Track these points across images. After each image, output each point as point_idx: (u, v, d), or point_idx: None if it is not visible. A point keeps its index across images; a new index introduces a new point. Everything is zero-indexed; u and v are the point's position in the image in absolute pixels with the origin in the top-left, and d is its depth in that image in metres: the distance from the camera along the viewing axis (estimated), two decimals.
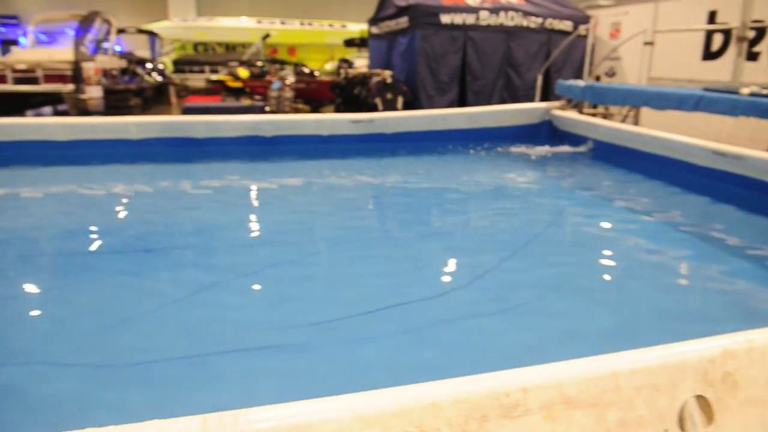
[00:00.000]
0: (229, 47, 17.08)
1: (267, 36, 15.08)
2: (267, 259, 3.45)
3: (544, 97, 8.86)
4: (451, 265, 3.43)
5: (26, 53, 10.62)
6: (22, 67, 9.69)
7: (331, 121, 6.65)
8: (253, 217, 4.43)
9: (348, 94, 10.11)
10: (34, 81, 9.72)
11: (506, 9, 9.39)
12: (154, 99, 12.66)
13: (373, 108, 8.71)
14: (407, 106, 8.81)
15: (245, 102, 10.05)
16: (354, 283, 3.11)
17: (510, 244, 3.69)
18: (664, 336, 1.67)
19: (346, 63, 11.97)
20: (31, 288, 3.05)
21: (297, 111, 10.13)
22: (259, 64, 11.99)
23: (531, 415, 1.38)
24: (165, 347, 2.41)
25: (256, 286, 3.05)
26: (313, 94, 11.27)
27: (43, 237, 3.96)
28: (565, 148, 6.69)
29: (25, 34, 14.08)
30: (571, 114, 7.12)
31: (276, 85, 9.86)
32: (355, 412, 1.29)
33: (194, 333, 2.56)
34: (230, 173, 5.79)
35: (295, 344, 2.44)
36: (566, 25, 9.73)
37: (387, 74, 9.05)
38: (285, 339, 2.48)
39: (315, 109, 11.22)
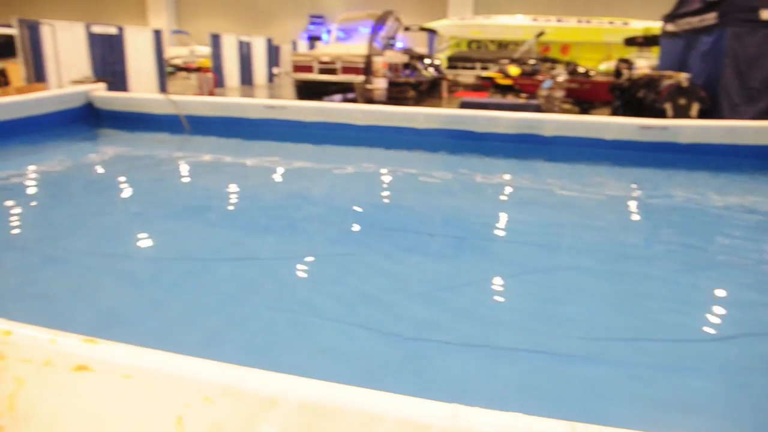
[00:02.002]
0: (502, 45, 17.22)
1: (541, 34, 14.78)
2: (525, 262, 3.32)
3: None
4: (733, 305, 2.88)
5: (328, 48, 12.24)
6: (326, 59, 11.19)
7: (617, 125, 6.17)
8: (520, 216, 4.30)
9: (630, 96, 9.28)
10: (333, 72, 11.16)
11: None
12: (428, 92, 13.44)
13: (660, 114, 7.83)
14: (703, 115, 7.72)
15: (517, 100, 10.01)
16: (623, 304, 2.82)
17: None
18: None
19: (626, 63, 10.98)
20: (306, 255, 3.36)
21: (564, 112, 9.70)
22: (531, 62, 11.79)
23: None
24: (429, 330, 2.49)
25: (512, 290, 2.96)
26: (586, 95, 10.65)
27: (320, 208, 4.45)
28: None
29: (328, 31, 16.21)
30: None
31: (547, 83, 9.57)
32: None
33: (450, 323, 2.56)
34: (502, 170, 5.79)
35: (564, 354, 2.33)
36: None
37: (683, 77, 8.03)
38: (550, 347, 2.38)
39: (585, 111, 10.60)
